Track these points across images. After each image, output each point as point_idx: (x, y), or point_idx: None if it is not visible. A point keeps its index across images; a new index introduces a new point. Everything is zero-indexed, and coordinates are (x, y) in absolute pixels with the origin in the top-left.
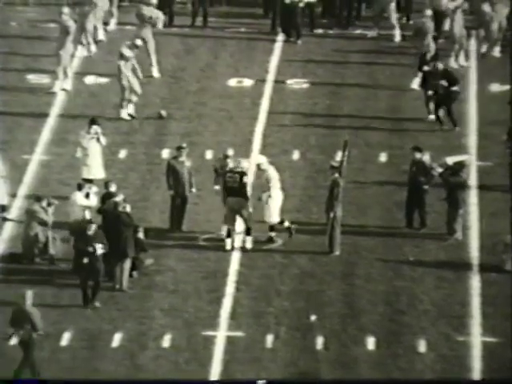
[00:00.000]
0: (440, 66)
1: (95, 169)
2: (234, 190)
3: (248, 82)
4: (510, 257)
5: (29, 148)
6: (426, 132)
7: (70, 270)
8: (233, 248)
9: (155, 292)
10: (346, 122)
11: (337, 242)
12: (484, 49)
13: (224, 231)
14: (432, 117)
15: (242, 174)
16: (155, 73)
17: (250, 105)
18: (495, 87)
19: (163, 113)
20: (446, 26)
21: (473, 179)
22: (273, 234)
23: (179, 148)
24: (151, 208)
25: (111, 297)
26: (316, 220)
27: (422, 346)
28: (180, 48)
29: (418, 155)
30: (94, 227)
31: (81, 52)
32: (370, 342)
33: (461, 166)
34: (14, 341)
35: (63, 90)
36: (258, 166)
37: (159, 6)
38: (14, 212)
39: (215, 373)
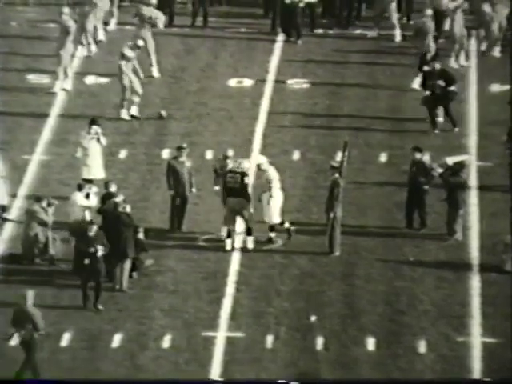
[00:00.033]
0: (437, 65)
1: (95, 169)
2: (234, 190)
3: (248, 82)
4: (510, 257)
5: (29, 148)
6: (426, 132)
7: (70, 270)
8: (233, 248)
9: (155, 292)
10: (346, 123)
11: (337, 243)
12: (484, 47)
13: (224, 232)
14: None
15: (243, 174)
16: (155, 73)
17: (250, 105)
18: (495, 87)
19: (163, 113)
20: (447, 25)
21: (473, 179)
22: (273, 234)
23: (179, 148)
24: (151, 208)
25: (111, 297)
26: (316, 220)
27: (422, 347)
28: (180, 48)
29: (418, 155)
30: (95, 228)
31: (81, 52)
32: (370, 343)
33: (461, 166)
34: (14, 341)
35: (63, 90)
36: (259, 167)
37: (159, 6)
38: (14, 212)
39: (215, 373)
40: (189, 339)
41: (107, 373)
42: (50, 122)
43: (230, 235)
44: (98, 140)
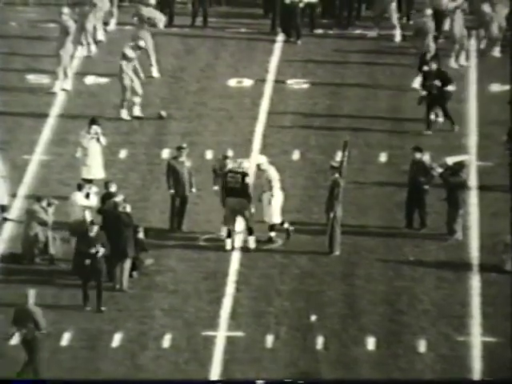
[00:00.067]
0: (433, 66)
1: (95, 169)
2: (235, 190)
3: (248, 82)
4: (510, 257)
5: (29, 148)
6: (426, 132)
7: (70, 270)
8: (233, 248)
9: (155, 292)
10: (346, 123)
11: (337, 242)
12: (483, 44)
13: (224, 232)
14: (432, 117)
15: (244, 174)
16: (155, 73)
17: (249, 105)
18: (495, 87)
19: (163, 113)
20: (446, 25)
21: (473, 179)
22: (273, 234)
23: (179, 148)
24: (151, 208)
25: (111, 297)
26: (316, 220)
27: (422, 346)
28: (180, 48)
29: (418, 155)
30: (95, 229)
31: (81, 52)
32: (370, 342)
33: (461, 166)
34: (16, 340)
35: (63, 90)
36: (258, 166)
37: (160, 6)
38: (14, 212)
39: (215, 373)
40: (189, 339)
41: (107, 372)
42: (50, 122)
43: (230, 235)
44: (98, 140)
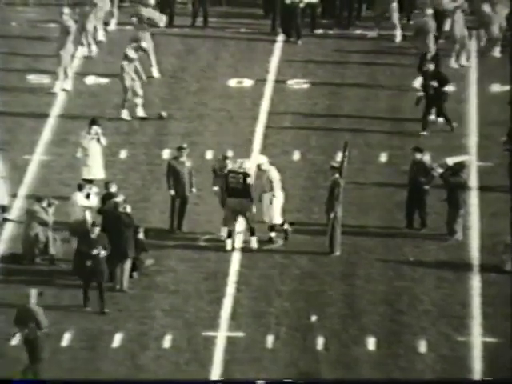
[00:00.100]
0: (430, 66)
1: (95, 169)
2: (236, 190)
3: (248, 83)
4: (510, 257)
5: (29, 148)
6: (427, 131)
7: (71, 270)
8: (233, 248)
9: (156, 292)
10: (347, 123)
11: (337, 243)
12: (483, 42)
13: (224, 232)
14: (432, 117)
15: (246, 175)
16: (155, 73)
17: (250, 105)
18: (495, 87)
19: (163, 114)
20: (447, 26)
21: (473, 180)
22: (273, 234)
23: (180, 148)
24: (152, 208)
25: (112, 297)
26: (316, 220)
27: (423, 347)
28: (180, 48)
29: (418, 155)
30: (97, 230)
31: (81, 52)
32: (371, 343)
33: (461, 166)
34: (17, 340)
35: (63, 90)
36: (259, 167)
37: (160, 7)
38: (14, 212)
39: (215, 373)
40: (189, 339)
41: (108, 373)
42: (51, 123)
43: (230, 235)
44: (98, 140)
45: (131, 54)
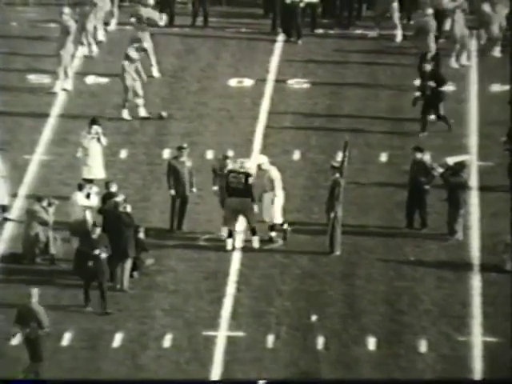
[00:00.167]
0: (428, 67)
1: (96, 169)
2: (237, 190)
3: (248, 82)
4: (511, 257)
5: (29, 148)
6: (427, 132)
7: (71, 270)
8: (233, 248)
9: (156, 292)
10: (347, 123)
11: (337, 242)
12: (483, 40)
13: (224, 232)
14: (432, 117)
15: (248, 174)
16: (155, 72)
17: (250, 105)
18: (496, 87)
19: (163, 114)
20: (447, 25)
21: (473, 179)
22: (273, 234)
23: (180, 148)
24: (152, 208)
25: (112, 297)
26: (317, 220)
27: (423, 346)
28: (180, 48)
29: (418, 155)
30: (98, 231)
31: (81, 52)
32: (371, 342)
33: (461, 166)
34: (18, 339)
35: (64, 90)
36: (259, 166)
37: (160, 7)
38: (14, 212)
39: (216, 373)
40: (190, 339)
41: (108, 372)
42: (51, 122)
43: (230, 235)
44: (99, 140)
45: (133, 54)
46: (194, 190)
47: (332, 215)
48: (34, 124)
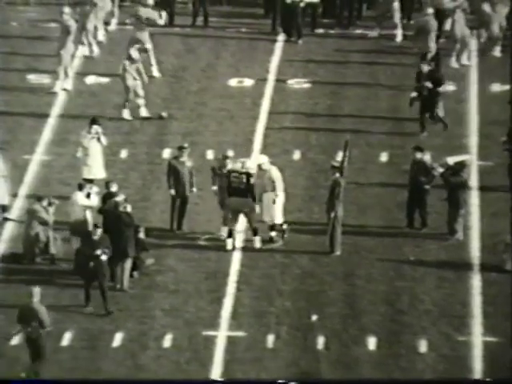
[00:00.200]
0: (425, 68)
1: (96, 169)
2: (239, 190)
3: (249, 82)
4: (511, 257)
5: (29, 148)
6: (426, 132)
7: (71, 270)
8: (234, 248)
9: (156, 292)
10: (347, 122)
11: (338, 242)
12: (483, 38)
13: (224, 232)
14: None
15: (249, 174)
16: (155, 72)
17: (250, 105)
18: (496, 87)
19: (164, 114)
20: (448, 25)
21: (473, 179)
22: (273, 233)
23: (180, 148)
24: (152, 208)
25: (112, 297)
26: (317, 220)
27: (423, 346)
28: (181, 48)
29: (418, 155)
30: (99, 231)
31: (81, 52)
32: (371, 342)
33: (462, 166)
34: (17, 339)
35: (64, 89)
36: (260, 166)
37: (160, 6)
38: (14, 212)
39: (216, 373)
40: (190, 339)
41: (108, 372)
42: (51, 122)
43: (230, 235)
44: (99, 140)
45: (135, 54)
46: (194, 189)
47: (332, 215)
48: (34, 124)
